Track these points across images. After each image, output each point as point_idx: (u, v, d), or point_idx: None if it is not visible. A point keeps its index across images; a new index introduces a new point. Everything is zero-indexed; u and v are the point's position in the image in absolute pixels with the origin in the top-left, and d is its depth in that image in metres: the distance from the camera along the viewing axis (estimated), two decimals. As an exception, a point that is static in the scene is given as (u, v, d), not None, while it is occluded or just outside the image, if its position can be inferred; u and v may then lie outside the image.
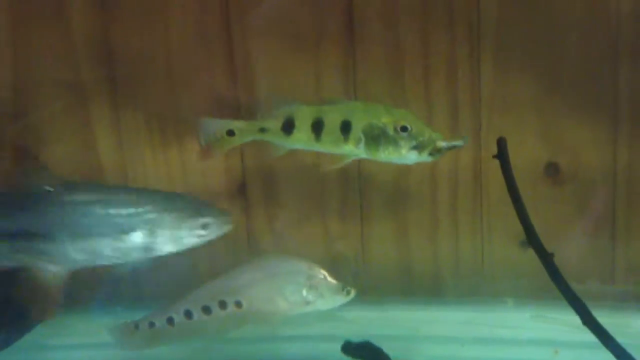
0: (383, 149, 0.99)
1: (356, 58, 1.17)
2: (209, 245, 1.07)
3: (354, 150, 1.00)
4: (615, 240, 1.18)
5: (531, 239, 0.94)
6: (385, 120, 0.98)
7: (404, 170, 1.20)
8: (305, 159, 1.21)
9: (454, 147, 0.98)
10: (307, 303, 1.09)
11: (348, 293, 1.11)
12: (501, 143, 0.94)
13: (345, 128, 1.00)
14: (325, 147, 1.02)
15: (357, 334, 1.07)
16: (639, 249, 1.18)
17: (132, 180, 1.23)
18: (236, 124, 1.05)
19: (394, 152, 0.98)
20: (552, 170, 1.18)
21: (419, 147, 0.98)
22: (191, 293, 1.08)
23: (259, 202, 1.24)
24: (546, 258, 0.93)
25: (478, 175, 1.20)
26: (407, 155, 0.98)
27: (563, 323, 1.12)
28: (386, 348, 1.02)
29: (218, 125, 1.05)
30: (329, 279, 1.10)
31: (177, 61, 1.20)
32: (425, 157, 0.98)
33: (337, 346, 1.05)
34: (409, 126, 0.97)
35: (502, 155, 0.93)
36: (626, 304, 1.18)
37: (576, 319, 1.09)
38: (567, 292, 0.95)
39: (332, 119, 1.00)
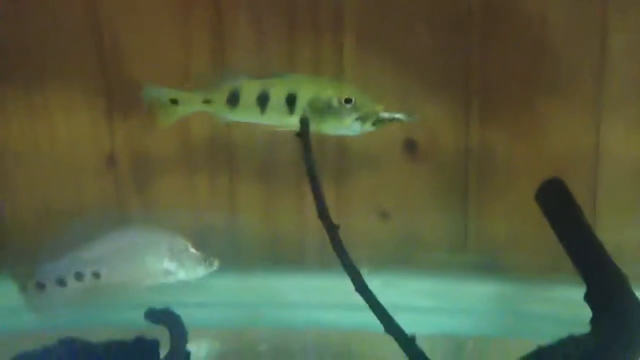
0: (327, 121, 1.01)
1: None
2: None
3: (298, 122, 1.02)
4: (468, 212, 1.29)
5: (320, 212, 1.00)
6: (330, 92, 1.01)
7: (272, 140, 1.27)
8: (174, 127, 1.22)
9: (396, 119, 1.02)
10: (168, 274, 1.12)
11: (211, 264, 1.14)
12: (304, 122, 1.00)
13: (291, 101, 1.02)
14: (270, 120, 1.04)
15: (217, 301, 1.13)
16: (489, 220, 1.29)
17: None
18: (180, 93, 1.07)
19: (338, 123, 1.02)
20: (410, 146, 1.27)
21: (362, 119, 1.01)
22: (44, 265, 1.08)
23: (128, 173, 1.30)
24: (331, 230, 1.00)
25: (341, 146, 1.27)
26: (351, 126, 1.02)
27: (409, 288, 1.23)
28: (238, 314, 1.08)
29: (161, 92, 1.07)
30: (191, 249, 1.13)
31: (46, 33, 1.24)
32: (368, 127, 1.02)
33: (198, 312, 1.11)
34: (352, 98, 1.01)
35: (303, 134, 1.00)
36: (476, 273, 1.29)
37: (420, 285, 1.23)
38: (345, 260, 1.01)
39: (278, 92, 1.02)
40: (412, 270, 1.28)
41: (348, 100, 1.01)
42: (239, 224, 1.32)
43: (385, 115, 1.02)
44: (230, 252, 1.29)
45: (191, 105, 1.07)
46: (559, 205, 1.03)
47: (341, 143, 1.27)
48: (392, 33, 1.22)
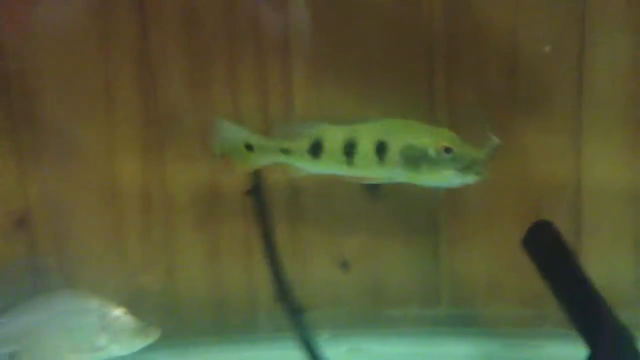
0: (424, 172, 0.93)
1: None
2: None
3: (389, 173, 0.94)
4: (440, 256, 1.18)
5: (281, 292, 0.86)
6: (426, 140, 0.93)
7: (213, 190, 1.16)
8: (98, 180, 1.15)
9: (494, 150, 0.92)
10: (100, 349, 1.01)
11: (149, 334, 1.03)
12: (256, 177, 0.87)
13: (381, 150, 0.94)
14: (358, 172, 0.95)
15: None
16: (465, 266, 1.18)
17: None
18: (255, 138, 0.98)
19: (435, 175, 0.93)
20: (370, 184, 1.14)
21: (463, 169, 0.93)
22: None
23: (45, 235, 1.16)
24: (296, 316, 0.86)
25: (294, 187, 1.16)
26: (449, 178, 0.93)
27: (378, 355, 1.12)
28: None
29: (235, 133, 0.98)
30: (126, 318, 1.03)
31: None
32: (470, 179, 0.93)
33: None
34: (452, 147, 0.92)
35: (256, 191, 0.86)
36: (451, 329, 1.18)
37: (391, 350, 1.11)
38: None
39: (366, 140, 0.94)
40: (380, 331, 1.18)
41: (447, 150, 0.92)
42: (178, 286, 1.18)
43: (486, 157, 0.92)
44: (169, 320, 1.16)
45: (267, 154, 0.98)
46: (551, 253, 0.96)
47: (294, 183, 1.16)
48: (346, 56, 1.12)
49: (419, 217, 1.17)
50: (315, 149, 0.96)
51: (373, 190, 1.15)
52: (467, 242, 1.18)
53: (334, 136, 0.96)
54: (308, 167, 0.98)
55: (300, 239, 1.18)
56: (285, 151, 0.97)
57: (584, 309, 0.90)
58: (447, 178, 0.93)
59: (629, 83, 1.11)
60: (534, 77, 1.12)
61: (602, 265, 1.14)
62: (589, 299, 0.90)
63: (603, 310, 0.90)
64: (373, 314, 1.19)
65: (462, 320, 1.18)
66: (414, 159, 0.93)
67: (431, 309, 1.19)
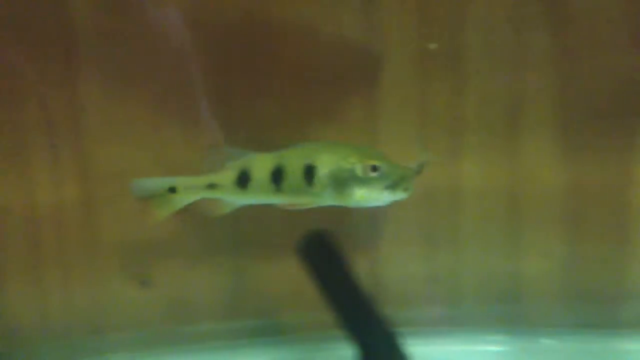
0: (352, 192, 0.93)
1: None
2: None
3: (318, 197, 0.94)
4: (244, 268, 1.17)
5: None
6: (353, 160, 0.93)
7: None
8: None
9: (423, 166, 0.93)
10: None
11: None
12: None
13: (309, 173, 0.94)
14: (287, 197, 0.95)
15: None
16: (265, 280, 1.18)
17: None
18: (178, 181, 0.97)
19: (366, 195, 0.93)
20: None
21: (392, 186, 0.92)
22: None
23: None
24: None
25: (89, 216, 1.12)
26: (379, 197, 0.93)
27: None
28: None
29: (155, 183, 0.97)
30: None
31: None
32: (400, 195, 0.93)
33: None
34: (379, 164, 0.92)
35: None
36: (251, 340, 1.18)
37: None
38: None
39: (294, 164, 0.94)
40: (180, 348, 1.16)
41: (374, 168, 0.93)
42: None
43: (413, 173, 0.93)
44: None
45: (193, 192, 0.98)
46: (322, 261, 0.98)
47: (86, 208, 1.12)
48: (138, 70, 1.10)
49: (219, 232, 1.15)
50: (243, 180, 0.96)
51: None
52: (264, 254, 1.17)
53: (261, 164, 0.96)
54: (236, 199, 0.97)
55: (94, 256, 1.14)
56: (212, 186, 0.97)
57: (353, 312, 0.95)
58: (376, 196, 0.93)
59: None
60: (330, 86, 1.12)
61: (398, 265, 1.16)
62: (358, 303, 0.95)
63: (370, 313, 0.94)
64: (172, 332, 1.17)
65: (263, 330, 1.18)
66: (342, 180, 0.93)
67: (232, 322, 1.18)
